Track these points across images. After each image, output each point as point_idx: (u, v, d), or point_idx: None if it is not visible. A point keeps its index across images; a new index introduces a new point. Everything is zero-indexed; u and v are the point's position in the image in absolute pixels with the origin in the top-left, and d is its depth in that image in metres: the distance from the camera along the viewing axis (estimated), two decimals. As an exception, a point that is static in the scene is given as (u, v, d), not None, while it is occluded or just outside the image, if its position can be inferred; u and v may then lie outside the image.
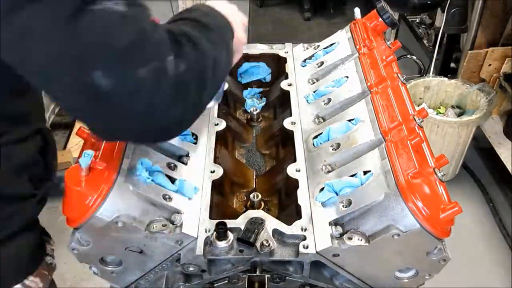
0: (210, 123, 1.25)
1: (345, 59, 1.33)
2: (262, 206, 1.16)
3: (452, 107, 2.82)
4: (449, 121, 2.57)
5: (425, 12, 3.36)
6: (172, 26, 0.82)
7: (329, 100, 1.24)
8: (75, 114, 0.79)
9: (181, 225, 0.96)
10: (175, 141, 1.12)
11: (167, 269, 1.08)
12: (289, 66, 1.45)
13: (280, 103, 1.43)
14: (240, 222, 1.00)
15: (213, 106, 1.25)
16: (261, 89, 1.52)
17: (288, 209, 1.12)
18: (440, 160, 1.01)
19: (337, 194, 1.00)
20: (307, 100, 1.30)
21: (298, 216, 1.03)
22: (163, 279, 1.10)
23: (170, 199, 0.98)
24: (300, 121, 1.25)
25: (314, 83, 1.35)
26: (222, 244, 0.96)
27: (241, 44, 1.02)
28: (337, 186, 1.01)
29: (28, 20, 0.61)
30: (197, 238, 0.98)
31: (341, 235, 0.95)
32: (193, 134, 1.18)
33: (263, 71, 1.53)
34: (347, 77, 1.27)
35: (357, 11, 1.40)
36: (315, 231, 0.98)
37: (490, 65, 2.80)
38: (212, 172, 1.12)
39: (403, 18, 3.57)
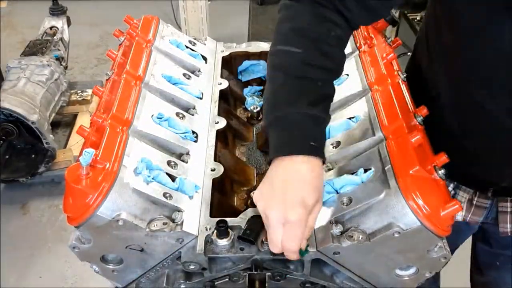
0: (210, 121, 1.25)
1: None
2: (263, 204, 1.16)
3: (453, 104, 2.81)
4: (449, 118, 2.57)
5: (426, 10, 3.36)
6: None
7: (330, 98, 1.24)
8: None
9: (181, 223, 0.96)
10: (175, 139, 1.12)
11: (168, 267, 1.08)
12: (289, 64, 1.44)
13: (281, 101, 1.43)
14: (240, 220, 1.00)
15: None
16: (261, 87, 1.52)
17: (289, 207, 1.12)
18: (440, 158, 1.01)
19: (337, 192, 1.00)
20: (307, 98, 1.30)
21: (299, 214, 1.02)
22: (163, 277, 1.10)
23: (170, 197, 0.98)
24: (300, 119, 1.24)
25: (314, 81, 1.35)
26: (222, 242, 0.96)
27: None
28: (338, 184, 1.01)
29: None
30: (197, 236, 0.98)
31: (342, 233, 0.95)
32: (193, 132, 1.18)
33: (263, 69, 1.53)
34: (348, 75, 1.27)
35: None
36: (316, 229, 0.98)
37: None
38: (213, 170, 1.12)
39: (403, 16, 3.57)
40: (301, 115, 0.88)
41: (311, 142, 0.87)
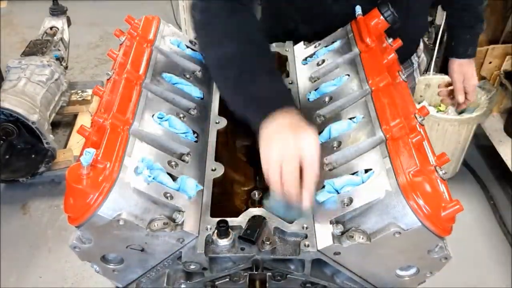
0: (211, 121, 1.25)
1: (346, 57, 1.33)
2: (263, 204, 1.17)
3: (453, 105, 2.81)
4: (449, 119, 2.58)
5: (426, 10, 3.36)
6: None
7: (330, 98, 1.24)
8: None
9: (182, 223, 0.96)
10: (176, 139, 1.12)
11: (169, 267, 1.08)
12: (289, 64, 1.45)
13: (281, 101, 1.43)
14: (241, 220, 1.00)
15: None
16: (261, 87, 1.52)
17: (289, 207, 1.12)
18: (441, 158, 1.01)
19: (338, 193, 1.00)
20: (308, 99, 1.30)
21: (299, 214, 1.03)
22: (164, 277, 1.10)
23: (171, 197, 0.98)
24: (301, 119, 1.24)
25: (315, 81, 1.35)
26: (223, 242, 0.96)
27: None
28: (338, 184, 1.01)
29: None
30: (198, 236, 0.98)
31: (342, 233, 0.95)
32: (194, 132, 1.18)
33: (263, 69, 1.52)
34: (348, 75, 1.27)
35: (358, 9, 1.39)
36: (316, 229, 0.98)
37: (490, 62, 2.80)
38: (213, 170, 1.12)
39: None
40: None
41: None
